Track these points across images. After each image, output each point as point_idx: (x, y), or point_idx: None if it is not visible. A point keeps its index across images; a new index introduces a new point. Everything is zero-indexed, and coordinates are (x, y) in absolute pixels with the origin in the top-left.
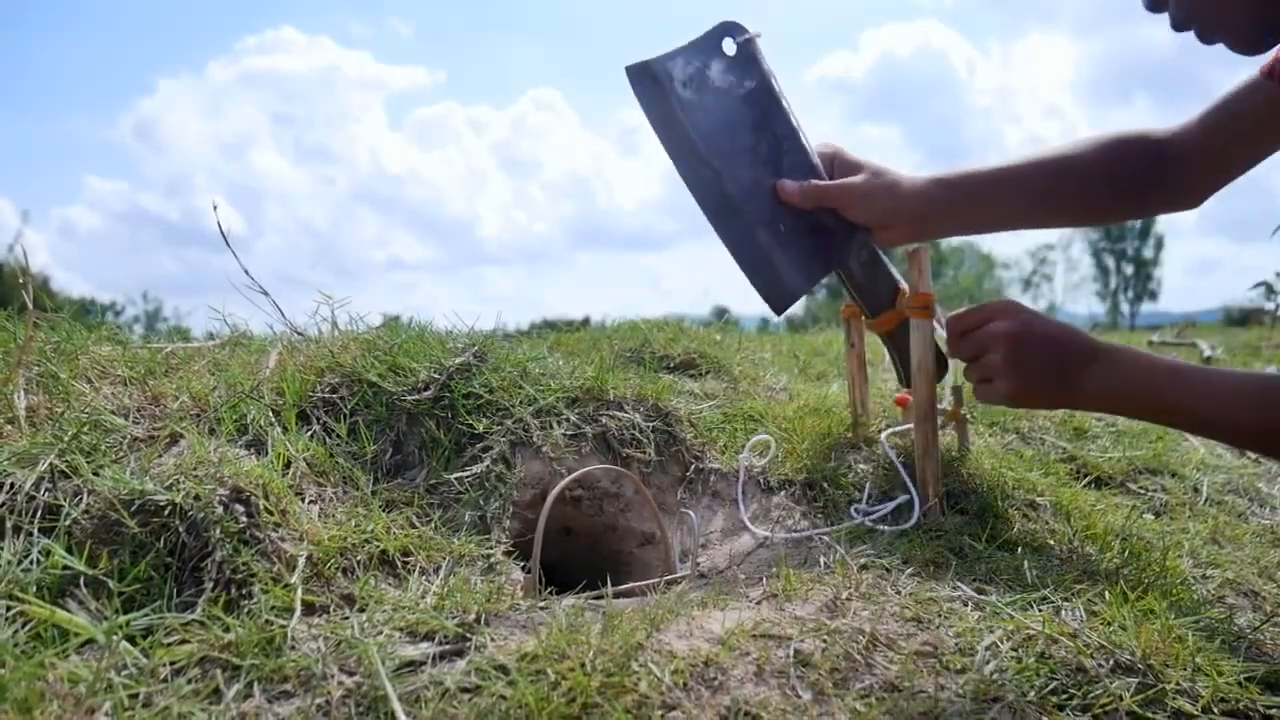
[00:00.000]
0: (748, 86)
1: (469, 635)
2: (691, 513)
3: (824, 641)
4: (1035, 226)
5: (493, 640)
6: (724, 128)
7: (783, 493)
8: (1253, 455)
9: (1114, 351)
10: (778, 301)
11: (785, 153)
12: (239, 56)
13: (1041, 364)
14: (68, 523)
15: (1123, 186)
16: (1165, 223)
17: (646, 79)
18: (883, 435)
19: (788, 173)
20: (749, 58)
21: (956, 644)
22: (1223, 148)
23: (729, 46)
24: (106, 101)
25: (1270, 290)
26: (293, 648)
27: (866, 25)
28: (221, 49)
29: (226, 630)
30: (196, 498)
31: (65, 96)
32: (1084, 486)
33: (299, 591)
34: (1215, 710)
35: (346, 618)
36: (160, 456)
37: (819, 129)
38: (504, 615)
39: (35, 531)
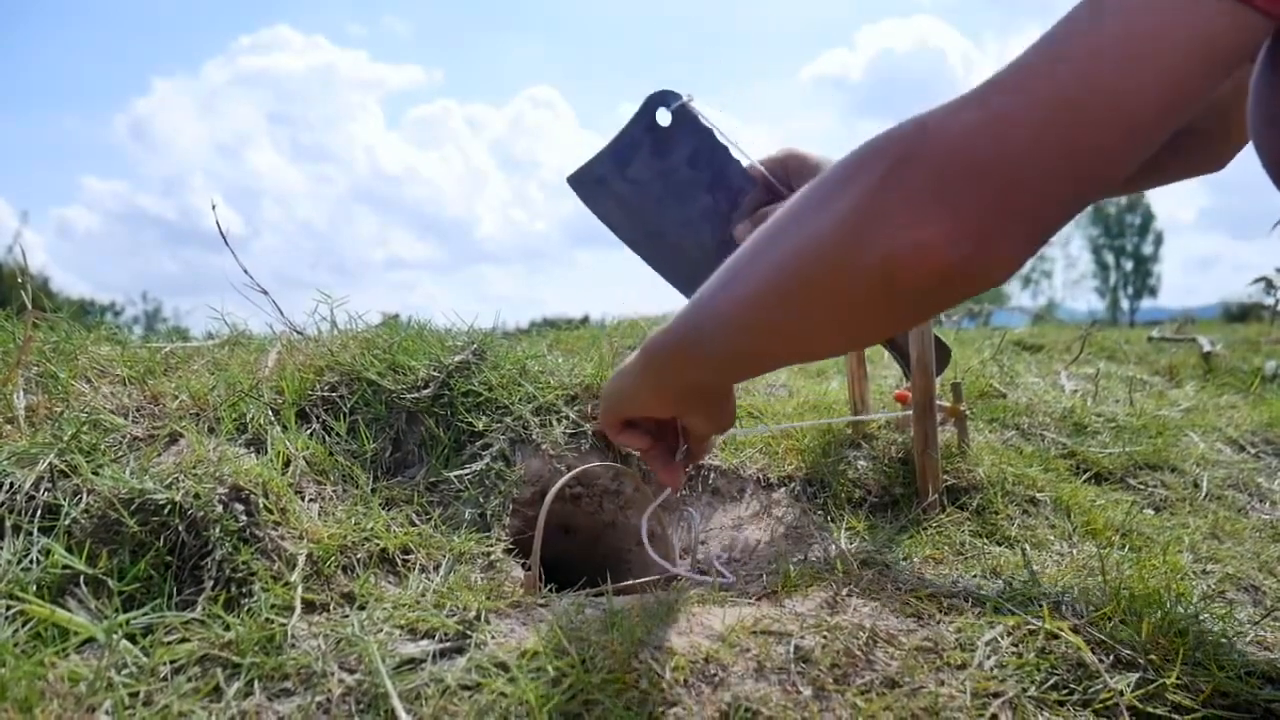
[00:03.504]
0: (691, 151)
1: (469, 633)
2: (692, 510)
3: (824, 638)
4: None
5: (493, 638)
6: (676, 199)
7: (783, 489)
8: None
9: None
10: None
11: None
12: (234, 56)
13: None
14: (67, 522)
15: None
16: (1164, 219)
17: (589, 182)
18: (645, 516)
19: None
20: (686, 121)
21: (957, 640)
22: (1236, 105)
23: (664, 117)
24: (103, 102)
25: (1270, 286)
26: (293, 646)
27: (863, 22)
28: (217, 48)
29: (226, 629)
30: (196, 496)
31: (61, 97)
32: (1084, 482)
33: (299, 590)
34: (1216, 704)
35: (346, 616)
36: (160, 455)
37: (816, 128)
38: (504, 612)
39: (35, 531)
